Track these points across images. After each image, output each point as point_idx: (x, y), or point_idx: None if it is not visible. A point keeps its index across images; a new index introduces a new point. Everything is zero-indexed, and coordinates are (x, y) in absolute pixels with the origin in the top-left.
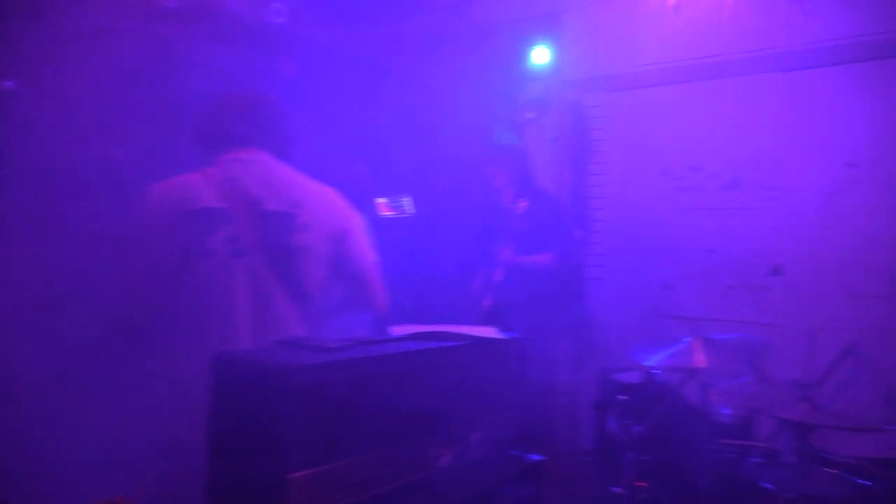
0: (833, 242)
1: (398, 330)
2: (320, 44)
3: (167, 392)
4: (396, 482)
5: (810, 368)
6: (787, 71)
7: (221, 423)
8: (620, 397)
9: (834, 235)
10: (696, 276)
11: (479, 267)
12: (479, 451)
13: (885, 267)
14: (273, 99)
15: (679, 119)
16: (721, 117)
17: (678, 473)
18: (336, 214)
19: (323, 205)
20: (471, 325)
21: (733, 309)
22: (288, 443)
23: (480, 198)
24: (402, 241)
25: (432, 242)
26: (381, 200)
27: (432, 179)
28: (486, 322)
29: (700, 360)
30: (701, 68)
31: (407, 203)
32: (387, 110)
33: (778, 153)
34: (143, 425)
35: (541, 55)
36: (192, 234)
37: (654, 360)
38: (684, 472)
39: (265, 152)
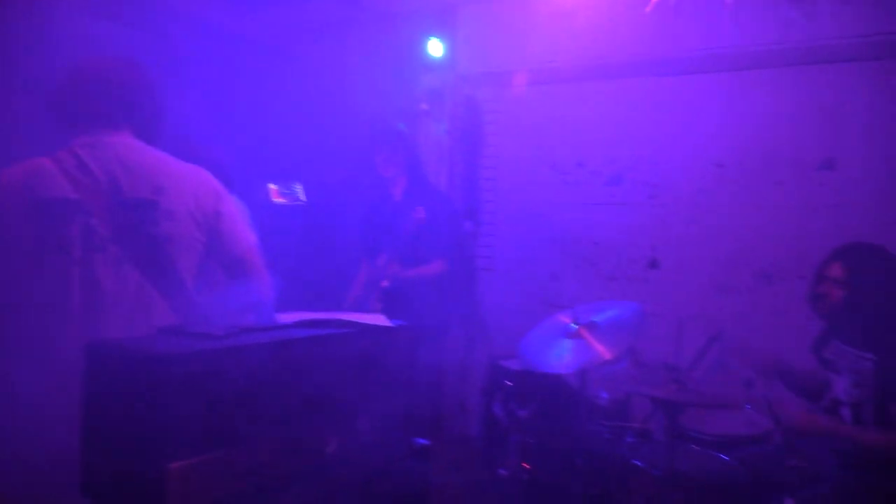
0: (704, 238)
1: (285, 317)
2: (214, 25)
3: (24, 394)
4: (283, 470)
5: (681, 353)
6: (665, 76)
7: (96, 416)
8: (506, 383)
9: (705, 231)
10: (581, 267)
11: (362, 264)
12: (367, 436)
13: (748, 261)
14: (137, 73)
15: (567, 117)
16: (605, 117)
17: (558, 454)
18: (204, 198)
19: (189, 189)
20: (358, 312)
21: (614, 298)
22: (165, 432)
23: (371, 187)
24: (294, 229)
25: (323, 230)
26: (273, 187)
27: (325, 167)
28: (376, 309)
29: (602, 351)
30: (588, 70)
31: (299, 190)
32: (280, 95)
33: (655, 152)
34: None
35: (436, 48)
36: (43, 228)
37: (558, 362)
38: (564, 452)
39: (126, 132)
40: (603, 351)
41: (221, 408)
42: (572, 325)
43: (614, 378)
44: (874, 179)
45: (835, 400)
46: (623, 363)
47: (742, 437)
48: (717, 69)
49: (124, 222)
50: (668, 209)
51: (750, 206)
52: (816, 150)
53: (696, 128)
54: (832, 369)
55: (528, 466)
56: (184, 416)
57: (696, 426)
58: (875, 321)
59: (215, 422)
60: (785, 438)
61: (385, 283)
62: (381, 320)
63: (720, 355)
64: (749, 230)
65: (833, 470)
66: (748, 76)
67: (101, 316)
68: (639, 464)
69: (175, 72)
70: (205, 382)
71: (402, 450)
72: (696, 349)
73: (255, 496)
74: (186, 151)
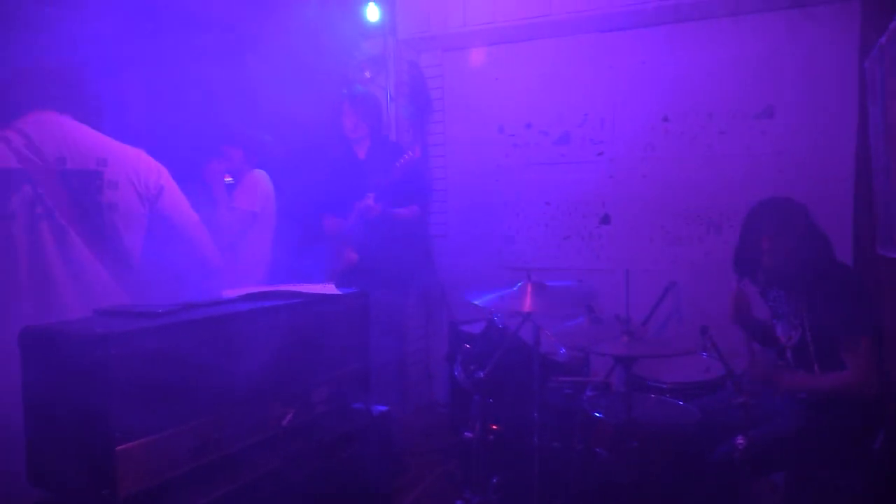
0: (653, 191)
1: (232, 292)
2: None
3: None
4: (237, 445)
5: (634, 306)
6: (608, 31)
7: (38, 403)
8: (465, 346)
9: (654, 185)
10: (534, 228)
11: (327, 217)
12: (323, 406)
13: (698, 212)
14: (75, 63)
15: (512, 78)
16: (551, 76)
17: (517, 413)
18: (146, 174)
19: (131, 163)
20: (311, 282)
21: (569, 257)
22: (110, 414)
23: (326, 152)
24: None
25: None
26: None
27: (267, 139)
28: (336, 276)
29: (528, 304)
30: (530, 28)
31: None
32: (216, 69)
33: (603, 110)
34: None
35: (373, 13)
36: None
37: (487, 300)
38: (522, 410)
39: (68, 115)
40: (528, 305)
41: (167, 386)
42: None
43: (570, 334)
44: (810, 126)
45: (779, 344)
46: (579, 319)
47: (697, 384)
48: (659, 22)
49: (69, 191)
50: (617, 165)
51: (696, 157)
52: (757, 100)
53: (642, 82)
54: (775, 315)
55: (495, 427)
56: (128, 396)
57: (653, 375)
58: (800, 269)
59: (161, 400)
60: (734, 380)
61: (354, 256)
62: (329, 289)
63: (675, 305)
64: (697, 181)
65: (780, 406)
66: (690, 27)
67: (48, 283)
68: (598, 415)
69: (108, 51)
70: (147, 361)
71: (361, 418)
72: (650, 301)
73: (209, 473)
74: (126, 134)
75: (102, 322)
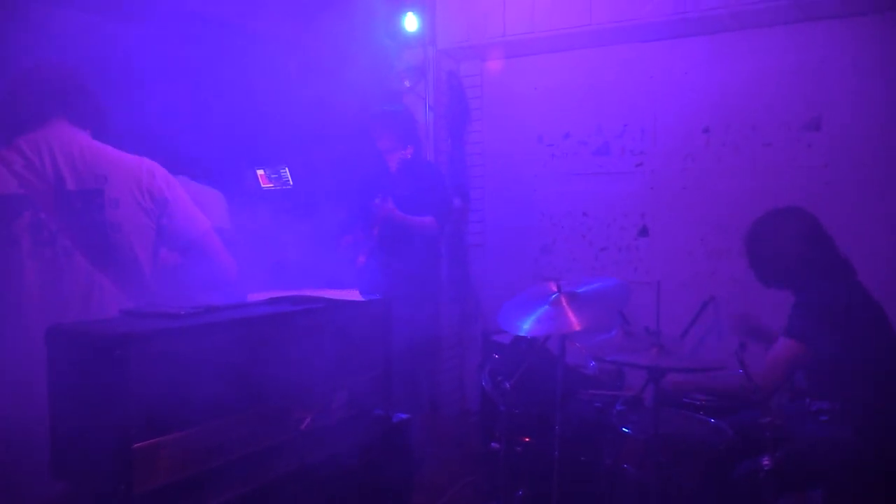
0: (693, 203)
1: (255, 296)
2: (186, 8)
3: None
4: (254, 447)
5: (673, 320)
6: (648, 41)
7: (62, 400)
8: (494, 356)
9: (694, 197)
10: (571, 240)
11: (354, 225)
12: (342, 412)
13: (738, 225)
14: (67, 72)
15: (551, 88)
16: (590, 86)
17: (546, 425)
18: (149, 185)
19: (133, 177)
20: (342, 287)
21: (605, 269)
22: (129, 412)
23: (361, 163)
24: (284, 212)
25: (313, 213)
26: (261, 172)
27: (309, 149)
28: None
29: (572, 322)
30: (569, 37)
31: (286, 174)
32: (256, 79)
33: (642, 120)
34: None
35: (411, 22)
36: None
37: (526, 328)
38: (546, 422)
39: (66, 125)
40: (574, 321)
41: (186, 387)
42: (553, 293)
43: (604, 347)
44: (859, 138)
45: None
46: (613, 332)
47: (731, 401)
48: (701, 32)
49: (71, 213)
50: (656, 176)
51: (738, 169)
52: (802, 111)
53: (682, 93)
54: None
55: (527, 440)
56: (147, 395)
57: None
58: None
59: (180, 401)
60: (759, 398)
61: (362, 259)
62: (352, 295)
63: (714, 320)
64: (738, 193)
65: (805, 426)
66: (733, 37)
67: (56, 307)
68: (626, 430)
69: (146, 62)
70: (167, 362)
71: (380, 425)
72: (689, 314)
73: (224, 474)
74: (156, 144)
75: (126, 322)
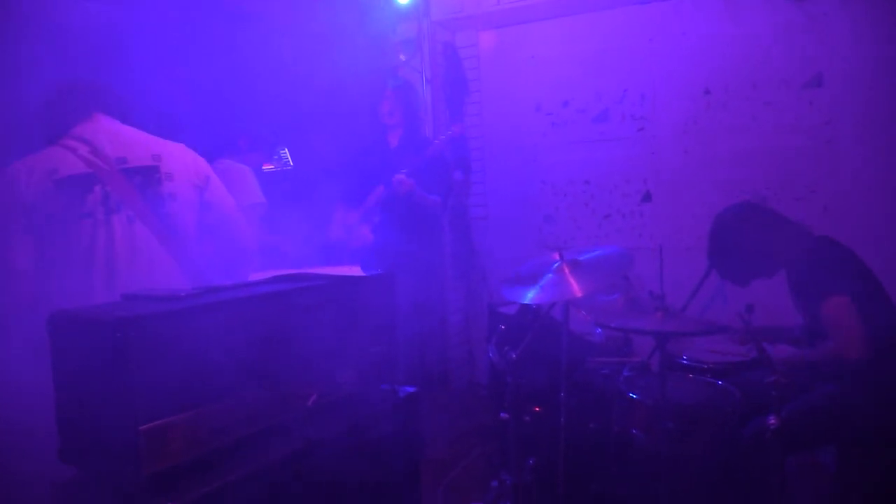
0: (696, 167)
1: (258, 275)
2: None
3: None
4: (261, 426)
5: (679, 285)
6: (644, 3)
7: (67, 384)
8: (500, 327)
9: (696, 160)
10: (574, 208)
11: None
12: (349, 387)
13: (742, 186)
14: (102, 80)
15: (548, 56)
16: (587, 52)
17: (554, 394)
18: (193, 163)
19: (179, 155)
20: (342, 264)
21: (609, 237)
22: (134, 395)
23: (359, 140)
24: (286, 193)
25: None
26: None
27: (307, 128)
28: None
29: (574, 289)
30: (566, 3)
31: (286, 155)
32: (249, 58)
33: (641, 84)
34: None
35: None
36: (68, 201)
37: (530, 296)
38: (552, 391)
39: (106, 117)
40: (576, 287)
41: (191, 368)
42: (555, 262)
43: (603, 311)
44: (863, 94)
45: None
46: (615, 295)
47: (739, 364)
48: None
49: (133, 187)
50: (658, 141)
51: (739, 129)
52: (804, 69)
53: (682, 55)
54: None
55: (537, 409)
56: (150, 377)
57: (693, 355)
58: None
59: (186, 382)
60: (764, 358)
61: (369, 235)
62: (354, 271)
63: (719, 283)
64: (741, 155)
65: (809, 382)
66: None
67: (119, 267)
68: (634, 396)
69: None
70: (170, 344)
71: (388, 399)
72: (695, 279)
73: (232, 453)
74: (165, 127)
75: (126, 306)
